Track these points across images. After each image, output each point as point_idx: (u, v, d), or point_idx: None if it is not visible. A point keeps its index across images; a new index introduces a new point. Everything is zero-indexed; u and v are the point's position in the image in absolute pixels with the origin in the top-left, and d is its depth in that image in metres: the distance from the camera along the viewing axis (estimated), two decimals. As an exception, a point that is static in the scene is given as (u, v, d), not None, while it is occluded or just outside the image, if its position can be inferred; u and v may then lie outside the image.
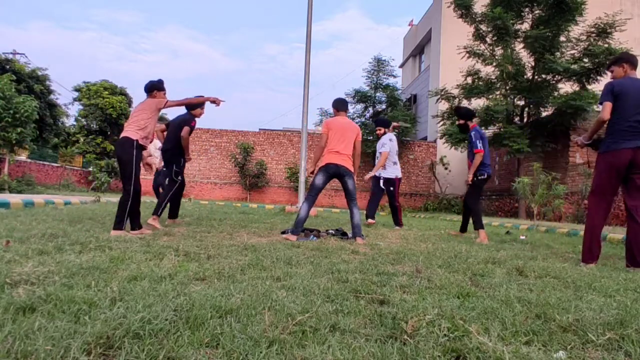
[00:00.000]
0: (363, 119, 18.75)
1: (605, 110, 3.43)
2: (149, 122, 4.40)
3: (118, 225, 4.12)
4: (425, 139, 20.82)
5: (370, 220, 6.88)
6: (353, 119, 18.59)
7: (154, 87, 4.56)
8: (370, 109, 18.73)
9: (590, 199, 3.64)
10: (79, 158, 26.07)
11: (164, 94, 4.62)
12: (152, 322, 1.49)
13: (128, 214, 4.21)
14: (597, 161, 3.58)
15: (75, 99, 24.12)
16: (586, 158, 11.77)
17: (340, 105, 5.02)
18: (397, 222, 7.04)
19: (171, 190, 5.35)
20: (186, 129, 5.38)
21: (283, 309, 1.76)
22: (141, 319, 1.50)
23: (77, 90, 24.16)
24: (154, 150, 7.79)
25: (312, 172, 4.94)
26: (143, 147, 4.39)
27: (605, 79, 11.89)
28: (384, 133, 7.19)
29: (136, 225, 4.41)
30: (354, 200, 4.79)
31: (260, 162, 18.68)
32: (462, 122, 5.72)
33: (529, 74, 12.40)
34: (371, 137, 18.17)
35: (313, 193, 4.73)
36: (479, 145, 5.38)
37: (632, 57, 3.59)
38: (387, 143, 7.06)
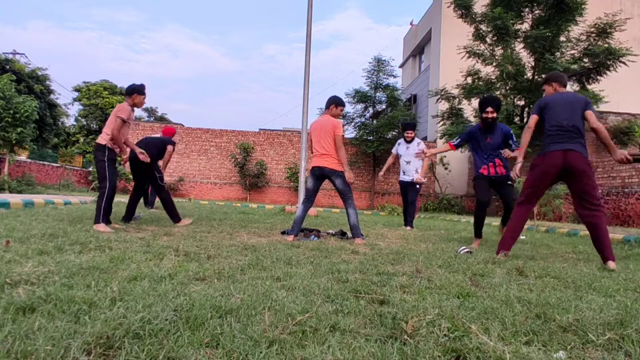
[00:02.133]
0: (363, 119, 18.73)
1: (530, 121, 3.77)
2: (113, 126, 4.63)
3: (95, 220, 4.43)
4: (425, 139, 20.81)
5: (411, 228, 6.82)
6: (353, 119, 18.57)
7: (134, 91, 4.74)
8: (370, 109, 18.71)
9: (518, 202, 3.85)
10: (79, 158, 26.09)
11: (144, 98, 4.83)
12: (152, 322, 1.49)
13: (105, 211, 4.47)
14: (531, 164, 3.79)
15: (75, 99, 24.15)
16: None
17: (326, 104, 4.92)
18: (411, 222, 7.04)
19: (169, 193, 5.57)
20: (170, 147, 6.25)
21: (283, 309, 1.76)
22: (141, 319, 1.50)
23: (77, 90, 24.20)
24: None
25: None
26: (112, 150, 4.59)
27: (606, 79, 11.94)
28: (414, 137, 7.17)
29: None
30: (349, 200, 4.70)
31: (260, 162, 18.67)
32: (495, 115, 4.72)
33: (529, 74, 12.40)
34: (371, 137, 18.18)
35: (307, 195, 4.79)
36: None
37: (559, 77, 3.89)
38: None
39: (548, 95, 3.86)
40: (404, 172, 7.16)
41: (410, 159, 7.08)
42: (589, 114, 3.62)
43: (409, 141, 7.11)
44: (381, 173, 7.45)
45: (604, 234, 3.51)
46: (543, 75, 12.18)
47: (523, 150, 3.89)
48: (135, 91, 4.73)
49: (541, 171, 3.65)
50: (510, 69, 11.84)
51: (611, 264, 3.38)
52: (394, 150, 7.36)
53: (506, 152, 4.64)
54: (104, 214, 4.44)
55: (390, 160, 7.44)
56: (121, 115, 4.53)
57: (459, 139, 5.06)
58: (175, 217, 5.39)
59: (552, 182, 3.75)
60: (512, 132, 4.77)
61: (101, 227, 4.31)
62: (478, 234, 4.84)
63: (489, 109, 4.66)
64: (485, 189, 4.78)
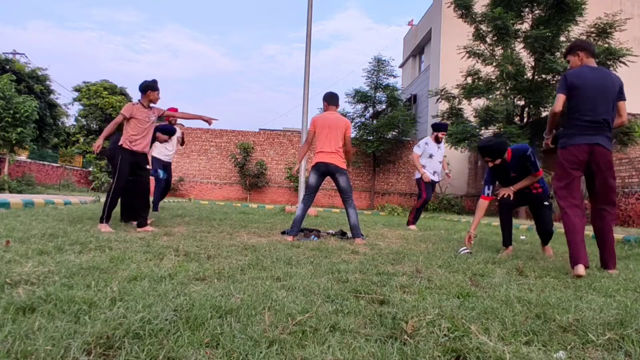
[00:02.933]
0: (363, 119, 18.73)
1: (557, 102, 3.23)
2: (126, 127, 4.68)
3: (100, 219, 4.52)
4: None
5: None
6: (353, 119, 18.56)
7: (148, 87, 4.76)
8: (370, 109, 18.72)
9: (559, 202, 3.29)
10: (79, 158, 26.08)
11: (158, 93, 4.84)
12: (152, 322, 1.49)
13: (109, 208, 4.51)
14: (557, 159, 3.36)
15: (75, 99, 24.09)
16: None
17: (329, 100, 4.85)
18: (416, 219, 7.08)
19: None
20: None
21: (283, 309, 1.76)
22: (141, 319, 1.50)
23: (77, 90, 24.13)
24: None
25: (296, 170, 5.24)
26: (129, 150, 4.63)
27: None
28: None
29: (139, 221, 4.70)
30: (349, 199, 4.69)
31: (260, 162, 18.67)
32: (498, 161, 3.99)
33: (529, 74, 12.40)
34: (371, 137, 18.19)
35: (308, 192, 4.71)
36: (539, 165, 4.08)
37: (587, 44, 3.35)
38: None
39: (574, 67, 3.31)
40: (434, 172, 6.98)
41: (441, 159, 7.05)
42: (622, 106, 3.18)
43: (439, 141, 7.01)
44: (430, 178, 7.00)
45: (605, 240, 3.20)
46: (543, 75, 12.23)
47: (549, 134, 3.48)
48: (149, 87, 4.76)
49: (567, 166, 3.21)
50: (510, 69, 11.84)
51: (610, 272, 3.12)
52: (420, 151, 6.96)
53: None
54: (107, 212, 4.48)
55: (420, 161, 7.09)
56: (122, 112, 4.68)
57: (488, 186, 4.22)
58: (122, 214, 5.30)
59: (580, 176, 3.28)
60: (528, 152, 3.95)
61: (103, 227, 4.33)
62: (505, 241, 4.19)
63: (487, 158, 4.03)
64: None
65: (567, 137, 3.26)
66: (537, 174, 4.02)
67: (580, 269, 2.91)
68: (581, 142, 3.15)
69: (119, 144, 4.63)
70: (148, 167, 4.89)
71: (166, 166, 7.22)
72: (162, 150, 7.14)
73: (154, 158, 7.14)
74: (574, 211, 3.14)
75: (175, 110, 6.82)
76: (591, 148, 3.14)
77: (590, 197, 3.42)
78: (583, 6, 11.48)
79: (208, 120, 5.10)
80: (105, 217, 4.45)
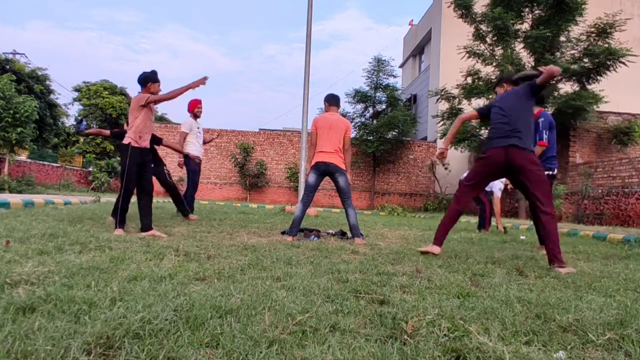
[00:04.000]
0: (363, 119, 18.73)
1: (467, 112, 3.83)
2: (135, 121, 4.34)
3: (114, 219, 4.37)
4: (425, 139, 20.82)
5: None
6: (353, 119, 18.56)
7: (148, 79, 4.42)
8: (370, 109, 18.72)
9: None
10: (79, 158, 26.09)
11: (159, 85, 4.50)
12: (152, 322, 1.49)
13: (121, 212, 4.23)
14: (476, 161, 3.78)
15: (75, 99, 24.12)
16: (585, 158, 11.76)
17: (330, 100, 4.88)
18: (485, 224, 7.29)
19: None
20: None
21: (283, 309, 1.76)
22: (141, 319, 1.50)
23: (77, 90, 24.16)
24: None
25: (307, 173, 4.99)
26: (138, 148, 4.30)
27: (606, 79, 11.95)
28: None
29: (143, 225, 4.31)
30: (348, 200, 4.71)
31: (260, 162, 18.67)
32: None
33: (529, 74, 12.40)
34: (371, 137, 18.19)
35: (307, 191, 4.72)
36: (545, 136, 4.33)
37: (509, 77, 3.86)
38: None
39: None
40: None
41: None
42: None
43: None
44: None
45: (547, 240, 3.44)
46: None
47: (449, 141, 4.04)
48: (149, 79, 4.40)
49: (480, 167, 3.65)
50: (510, 69, 11.84)
51: (557, 269, 3.11)
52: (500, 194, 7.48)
53: None
54: (121, 217, 4.23)
55: None
56: (140, 103, 4.30)
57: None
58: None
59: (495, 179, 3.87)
60: (542, 118, 4.40)
61: (118, 231, 4.10)
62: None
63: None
64: None
65: (486, 144, 3.61)
66: (538, 143, 4.28)
67: (435, 248, 3.63)
68: (496, 145, 3.45)
69: (126, 143, 4.28)
70: (152, 165, 4.60)
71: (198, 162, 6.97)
72: (197, 147, 6.85)
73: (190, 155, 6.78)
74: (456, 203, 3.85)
75: (199, 101, 6.57)
76: (506, 150, 3.39)
77: (530, 206, 3.61)
78: (583, 6, 11.49)
79: (198, 84, 4.46)
80: (119, 222, 4.20)
